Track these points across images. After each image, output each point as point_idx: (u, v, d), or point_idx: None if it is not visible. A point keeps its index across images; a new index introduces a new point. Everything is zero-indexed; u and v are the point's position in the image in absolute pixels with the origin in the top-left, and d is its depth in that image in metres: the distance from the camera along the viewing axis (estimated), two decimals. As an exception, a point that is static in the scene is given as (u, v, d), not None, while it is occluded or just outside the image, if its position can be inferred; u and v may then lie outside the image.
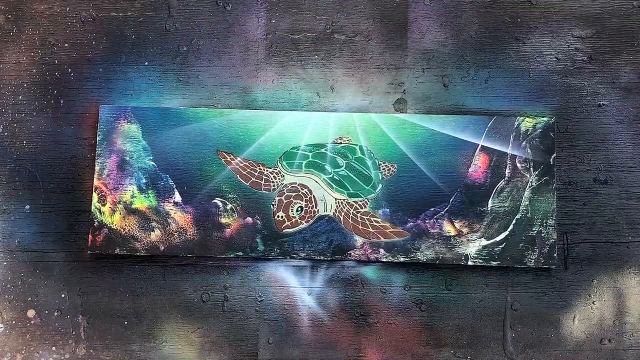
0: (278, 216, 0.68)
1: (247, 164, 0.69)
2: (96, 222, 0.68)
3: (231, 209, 0.68)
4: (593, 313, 0.68)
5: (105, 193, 0.69)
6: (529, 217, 0.67)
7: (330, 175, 0.68)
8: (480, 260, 0.67)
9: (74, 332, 0.69)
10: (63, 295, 0.69)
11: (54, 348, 0.68)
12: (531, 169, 0.68)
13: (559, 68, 0.71)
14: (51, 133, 0.71)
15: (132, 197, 0.69)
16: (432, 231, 0.67)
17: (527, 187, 0.67)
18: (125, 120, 0.70)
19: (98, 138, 0.70)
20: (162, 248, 0.68)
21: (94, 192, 0.69)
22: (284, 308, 0.68)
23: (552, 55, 0.71)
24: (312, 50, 0.72)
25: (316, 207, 0.68)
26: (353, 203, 0.68)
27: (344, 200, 0.68)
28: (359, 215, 0.67)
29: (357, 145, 0.69)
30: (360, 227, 0.67)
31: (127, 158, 0.69)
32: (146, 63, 0.72)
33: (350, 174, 0.68)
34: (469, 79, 0.71)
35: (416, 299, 0.68)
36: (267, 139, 0.69)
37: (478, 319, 0.68)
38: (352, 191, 0.68)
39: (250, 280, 0.68)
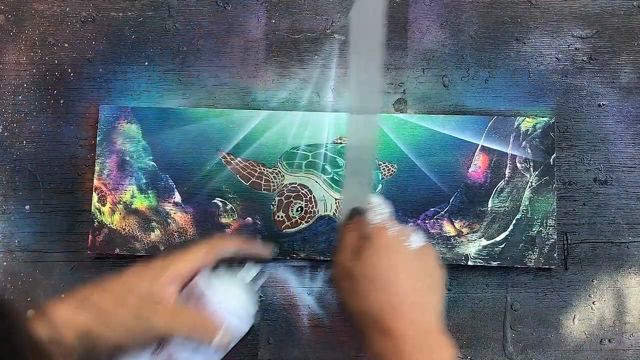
0: (278, 216, 0.67)
1: (247, 164, 0.69)
2: (96, 223, 0.68)
3: (231, 209, 0.68)
4: (593, 313, 0.68)
5: (105, 193, 0.69)
6: (529, 217, 0.67)
7: (330, 175, 0.68)
8: (480, 260, 0.67)
9: (74, 332, 0.69)
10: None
11: (54, 348, 0.68)
12: (531, 169, 0.68)
13: (559, 68, 0.71)
14: (51, 133, 0.71)
15: (132, 197, 0.69)
16: (432, 231, 0.67)
17: (527, 187, 0.67)
18: (125, 120, 0.70)
19: (98, 138, 0.70)
20: (162, 248, 0.68)
21: (94, 193, 0.69)
22: (284, 308, 0.68)
23: (552, 55, 0.71)
24: (312, 50, 0.72)
25: (316, 207, 0.68)
26: (353, 203, 0.68)
27: (344, 200, 0.68)
28: (359, 215, 0.67)
29: (357, 145, 0.68)
30: (360, 227, 0.67)
31: (127, 158, 0.69)
32: (146, 63, 0.72)
33: (350, 174, 0.68)
34: (469, 79, 0.71)
35: (416, 299, 0.68)
36: (267, 139, 0.69)
37: (478, 319, 0.68)
38: (352, 191, 0.68)
39: (250, 280, 0.67)
